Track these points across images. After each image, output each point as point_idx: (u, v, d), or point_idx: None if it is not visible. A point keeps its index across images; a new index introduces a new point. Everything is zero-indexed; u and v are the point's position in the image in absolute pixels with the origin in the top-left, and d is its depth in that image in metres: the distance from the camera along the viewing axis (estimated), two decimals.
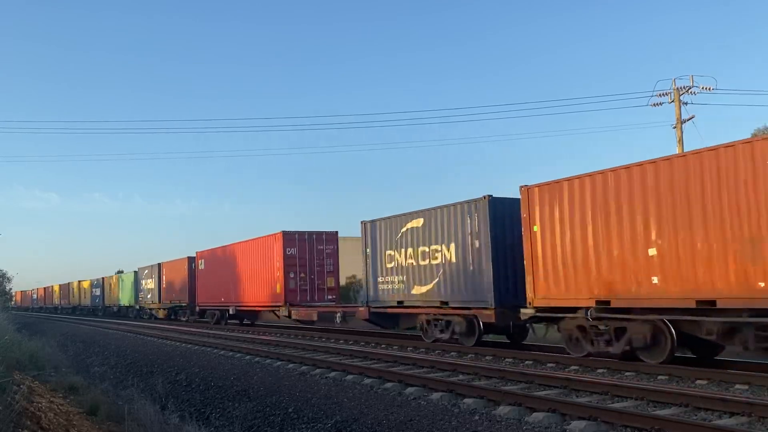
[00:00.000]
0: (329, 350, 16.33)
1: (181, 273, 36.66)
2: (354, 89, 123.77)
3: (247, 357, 16.26)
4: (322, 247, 25.95)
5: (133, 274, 47.23)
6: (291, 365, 14.18)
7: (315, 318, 23.05)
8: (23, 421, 7.20)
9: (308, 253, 25.65)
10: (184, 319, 36.92)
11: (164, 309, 40.05)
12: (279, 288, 25.14)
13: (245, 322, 30.56)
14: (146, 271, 43.48)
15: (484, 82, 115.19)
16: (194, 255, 35.17)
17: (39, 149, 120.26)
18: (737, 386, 9.46)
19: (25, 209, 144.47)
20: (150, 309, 43.17)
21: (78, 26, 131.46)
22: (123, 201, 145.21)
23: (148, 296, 43.01)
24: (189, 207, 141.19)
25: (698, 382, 10.00)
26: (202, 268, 33.37)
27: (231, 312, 29.59)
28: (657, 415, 7.49)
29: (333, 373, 12.55)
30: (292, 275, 25.05)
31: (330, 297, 25.87)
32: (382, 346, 17.59)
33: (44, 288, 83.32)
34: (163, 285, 40.13)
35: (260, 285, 26.93)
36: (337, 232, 26.80)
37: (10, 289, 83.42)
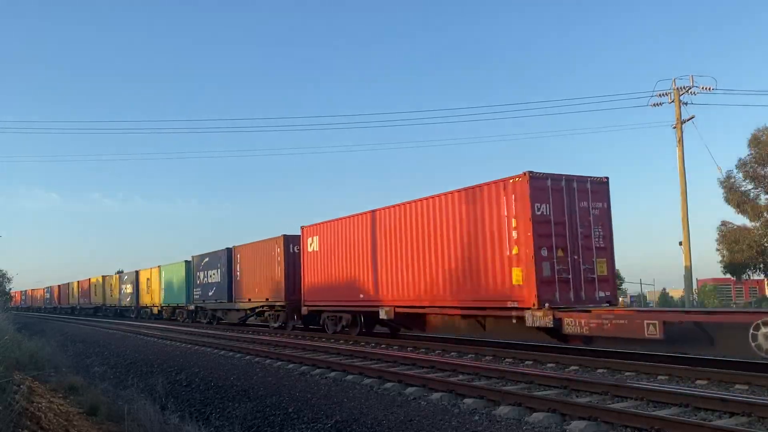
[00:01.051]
0: (329, 350, 16.33)
1: (270, 259, 26.14)
2: (354, 89, 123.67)
3: (247, 357, 16.26)
4: (586, 204, 14.99)
5: (183, 264, 36.86)
6: (291, 365, 14.18)
7: (654, 334, 11.71)
8: (23, 421, 7.19)
9: (568, 214, 14.67)
10: (275, 325, 26.00)
11: (239, 310, 29.47)
12: (519, 276, 14.26)
13: (405, 332, 20.04)
14: (206, 259, 32.92)
15: (484, 82, 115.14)
16: (292, 233, 24.90)
17: (39, 149, 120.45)
18: (737, 386, 9.46)
19: (26, 209, 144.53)
20: (213, 311, 32.62)
21: (78, 26, 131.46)
22: (123, 201, 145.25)
23: (210, 293, 32.29)
24: (189, 207, 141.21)
25: (698, 382, 10.00)
26: (315, 250, 22.94)
27: (383, 315, 18.63)
28: (657, 415, 7.48)
29: (333, 373, 12.56)
30: (545, 253, 14.18)
31: (604, 293, 15.00)
32: (382, 346, 17.58)
33: (59, 286, 73.37)
34: (238, 277, 29.40)
35: (465, 272, 15.84)
36: (607, 178, 15.48)
37: (10, 289, 79.46)
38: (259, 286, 27.04)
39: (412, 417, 8.59)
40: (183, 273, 36.85)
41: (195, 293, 34.55)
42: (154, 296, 41.96)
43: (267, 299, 26.37)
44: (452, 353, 15.19)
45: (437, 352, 15.71)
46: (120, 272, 57.76)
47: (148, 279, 43.19)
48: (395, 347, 17.03)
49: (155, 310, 42.16)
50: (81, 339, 27.53)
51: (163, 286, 40.40)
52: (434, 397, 9.61)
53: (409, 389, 10.32)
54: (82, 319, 48.85)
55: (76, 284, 65.98)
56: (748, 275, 38.81)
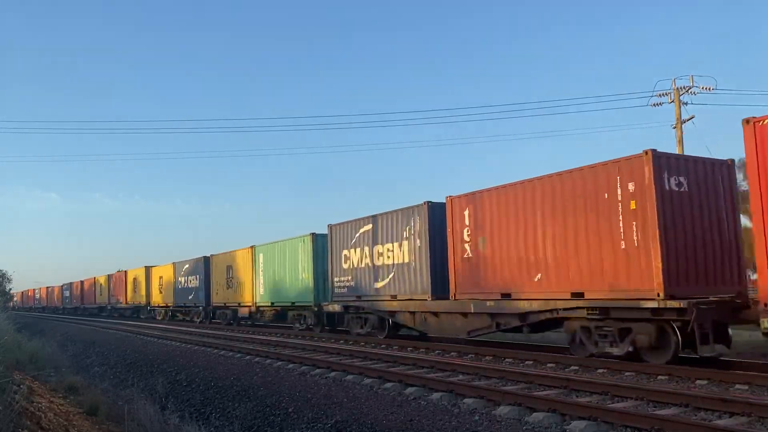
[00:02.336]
0: (329, 350, 16.33)
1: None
2: (357, 89, 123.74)
3: (247, 357, 16.25)
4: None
5: (309, 238, 23.53)
6: (291, 365, 14.18)
7: None
8: (23, 421, 7.19)
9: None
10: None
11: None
12: None
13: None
14: (348, 228, 20.76)
15: (484, 82, 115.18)
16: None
17: (40, 149, 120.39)
18: (737, 386, 9.45)
19: (26, 209, 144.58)
20: (382, 310, 18.85)
21: (79, 25, 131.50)
22: (123, 201, 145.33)
23: (382, 283, 18.90)
24: (190, 207, 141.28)
25: (698, 382, 9.99)
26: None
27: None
28: (657, 415, 7.49)
29: (333, 373, 12.56)
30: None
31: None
32: (382, 346, 17.57)
33: (80, 282, 61.40)
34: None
35: None
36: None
37: (10, 289, 77.63)
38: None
39: (413, 417, 8.59)
40: (309, 249, 23.42)
41: (338, 284, 21.27)
42: (243, 291, 28.76)
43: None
44: (452, 353, 15.19)
45: (437, 352, 15.70)
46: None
47: (230, 267, 30.20)
48: (395, 347, 17.03)
49: (245, 311, 28.66)
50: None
51: (262, 277, 27.13)
52: (434, 397, 9.61)
53: (409, 389, 10.32)
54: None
55: (103, 279, 53.42)
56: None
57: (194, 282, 35.20)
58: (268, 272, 26.66)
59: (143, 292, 43.68)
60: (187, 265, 36.44)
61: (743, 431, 6.79)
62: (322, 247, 23.15)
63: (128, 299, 47.10)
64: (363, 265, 20.05)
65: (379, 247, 19.28)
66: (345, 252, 21.01)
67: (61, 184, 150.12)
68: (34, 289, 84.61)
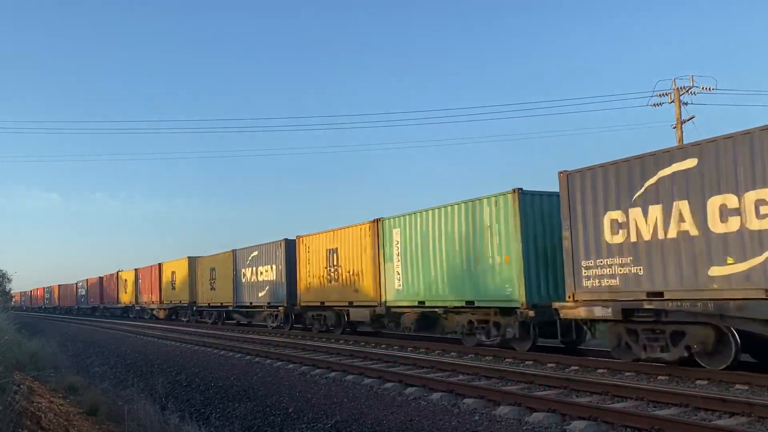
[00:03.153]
0: (329, 350, 16.33)
1: None
2: (354, 89, 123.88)
3: (247, 357, 16.26)
4: None
5: (511, 196, 14.32)
6: (291, 365, 14.18)
7: None
8: (23, 421, 7.20)
9: None
10: None
11: None
12: None
13: None
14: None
15: (484, 82, 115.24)
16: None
17: (40, 149, 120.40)
18: (737, 386, 9.46)
19: (26, 209, 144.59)
20: None
21: (80, 25, 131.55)
22: (124, 201, 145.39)
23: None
24: (190, 207, 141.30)
25: (698, 382, 10.00)
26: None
27: None
28: (657, 415, 7.49)
29: (333, 373, 12.56)
30: None
31: None
32: (382, 346, 17.57)
33: (99, 278, 54.03)
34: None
35: None
36: None
37: (11, 289, 75.90)
38: None
39: (413, 417, 8.60)
40: (508, 218, 14.49)
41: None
42: (359, 285, 20.15)
43: None
44: (452, 353, 15.19)
45: (437, 352, 15.70)
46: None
47: (333, 251, 21.69)
48: (395, 347, 17.03)
49: (363, 314, 19.90)
50: None
51: (398, 263, 18.20)
52: (434, 397, 9.62)
53: (410, 389, 10.33)
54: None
55: (129, 274, 45.38)
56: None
57: (268, 274, 26.22)
58: (413, 256, 17.48)
59: (185, 289, 35.03)
60: (255, 253, 27.48)
61: (743, 431, 6.79)
62: (538, 207, 14.40)
63: (163, 298, 38.66)
64: None
65: None
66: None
67: (61, 184, 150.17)
68: (43, 288, 78.52)
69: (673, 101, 28.27)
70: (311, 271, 22.99)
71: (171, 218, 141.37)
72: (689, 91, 28.01)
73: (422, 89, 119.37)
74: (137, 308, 43.16)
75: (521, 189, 14.17)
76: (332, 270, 21.63)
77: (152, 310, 40.49)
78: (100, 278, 53.60)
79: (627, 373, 11.13)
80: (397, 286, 18.13)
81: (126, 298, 45.78)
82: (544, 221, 14.33)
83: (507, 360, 13.61)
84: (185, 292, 35.01)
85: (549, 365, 12.50)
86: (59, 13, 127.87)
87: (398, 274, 18.13)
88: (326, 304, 22.03)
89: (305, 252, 23.56)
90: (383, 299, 18.73)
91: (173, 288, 36.89)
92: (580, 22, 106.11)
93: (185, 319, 35.93)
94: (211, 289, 31.88)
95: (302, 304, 23.58)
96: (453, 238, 15.92)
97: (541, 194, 14.48)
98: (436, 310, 16.76)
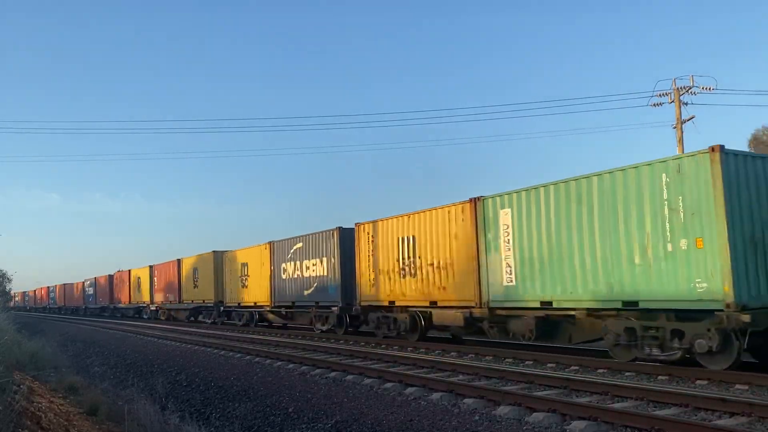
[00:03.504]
0: (329, 350, 16.33)
1: None
2: (355, 89, 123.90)
3: (247, 357, 16.26)
4: None
5: (705, 155, 10.45)
6: (291, 365, 14.19)
7: None
8: (23, 421, 7.20)
9: None
10: None
11: None
12: None
13: None
14: None
15: (484, 82, 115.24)
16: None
17: (40, 149, 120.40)
18: (737, 386, 9.46)
19: (26, 209, 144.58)
20: None
21: (80, 24, 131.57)
22: (124, 201, 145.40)
23: None
24: (190, 207, 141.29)
25: (698, 382, 9.99)
26: None
27: None
28: (657, 415, 7.49)
29: (333, 373, 12.56)
30: None
31: None
32: (382, 346, 17.57)
33: (108, 276, 49.79)
34: None
35: None
36: None
37: (10, 289, 69.53)
38: None
39: (413, 417, 8.60)
40: (703, 185, 10.55)
41: None
42: (445, 280, 16.29)
43: None
44: (452, 353, 15.19)
45: (437, 352, 15.70)
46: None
47: (405, 239, 17.83)
48: (395, 347, 17.03)
49: (453, 316, 15.72)
50: None
51: (507, 251, 14.30)
52: (434, 397, 9.62)
53: (409, 389, 10.33)
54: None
55: (143, 272, 41.70)
56: None
57: (317, 268, 22.27)
58: (532, 243, 13.65)
59: (209, 288, 31.32)
60: (299, 244, 23.49)
61: (743, 431, 6.79)
62: (752, 174, 10.79)
63: (183, 297, 34.64)
64: None
65: None
66: None
67: (62, 184, 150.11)
68: (47, 287, 75.13)
69: (673, 101, 28.28)
70: (376, 265, 18.95)
71: (171, 218, 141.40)
72: (689, 91, 28.02)
73: (421, 90, 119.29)
74: (152, 308, 39.27)
75: (722, 146, 10.43)
76: (407, 262, 17.64)
77: (170, 310, 36.72)
78: (110, 276, 49.53)
79: (627, 373, 11.13)
80: (507, 281, 14.19)
81: (139, 297, 42.03)
82: (760, 192, 10.74)
83: (507, 360, 13.61)
84: (209, 291, 31.12)
85: (549, 365, 12.50)
86: (59, 12, 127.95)
87: (508, 266, 14.18)
88: (397, 304, 18.09)
89: (368, 242, 19.45)
90: (484, 299, 14.84)
91: (195, 286, 32.87)
92: (578, 21, 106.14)
93: (210, 321, 32.00)
94: (243, 287, 27.96)
95: (363, 303, 19.56)
96: (603, 218, 12.08)
97: (754, 156, 11.05)
98: (571, 312, 12.70)
